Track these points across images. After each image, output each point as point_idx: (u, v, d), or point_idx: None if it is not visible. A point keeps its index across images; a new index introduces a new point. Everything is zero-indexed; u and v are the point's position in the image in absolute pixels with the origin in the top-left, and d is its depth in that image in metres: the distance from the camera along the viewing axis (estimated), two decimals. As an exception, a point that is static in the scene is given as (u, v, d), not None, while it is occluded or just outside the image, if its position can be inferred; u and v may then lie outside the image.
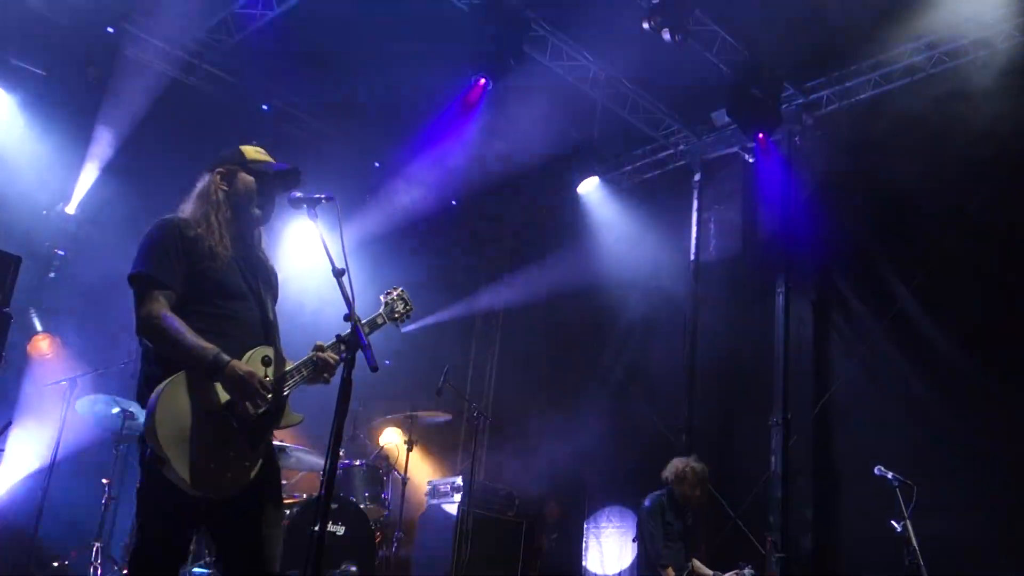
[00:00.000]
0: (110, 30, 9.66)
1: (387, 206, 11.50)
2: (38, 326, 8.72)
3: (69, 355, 8.56)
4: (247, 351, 3.69)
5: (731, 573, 7.76)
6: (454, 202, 12.47)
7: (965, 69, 8.92)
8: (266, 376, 3.66)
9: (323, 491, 3.36)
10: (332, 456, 3.30)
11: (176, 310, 3.63)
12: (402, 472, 8.52)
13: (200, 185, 3.97)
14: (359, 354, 3.52)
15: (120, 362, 7.88)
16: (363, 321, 4.05)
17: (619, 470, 10.84)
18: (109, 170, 9.44)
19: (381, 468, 8.33)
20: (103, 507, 7.59)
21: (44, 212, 9.10)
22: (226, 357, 3.54)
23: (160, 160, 9.65)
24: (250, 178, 3.96)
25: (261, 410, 3.62)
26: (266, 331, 3.84)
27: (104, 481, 7.71)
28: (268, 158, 4.08)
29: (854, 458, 8.84)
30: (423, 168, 11.58)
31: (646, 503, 7.82)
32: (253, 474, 3.61)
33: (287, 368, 3.78)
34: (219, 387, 3.55)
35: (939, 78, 9.16)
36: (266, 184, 3.98)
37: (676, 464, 7.96)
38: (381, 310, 4.25)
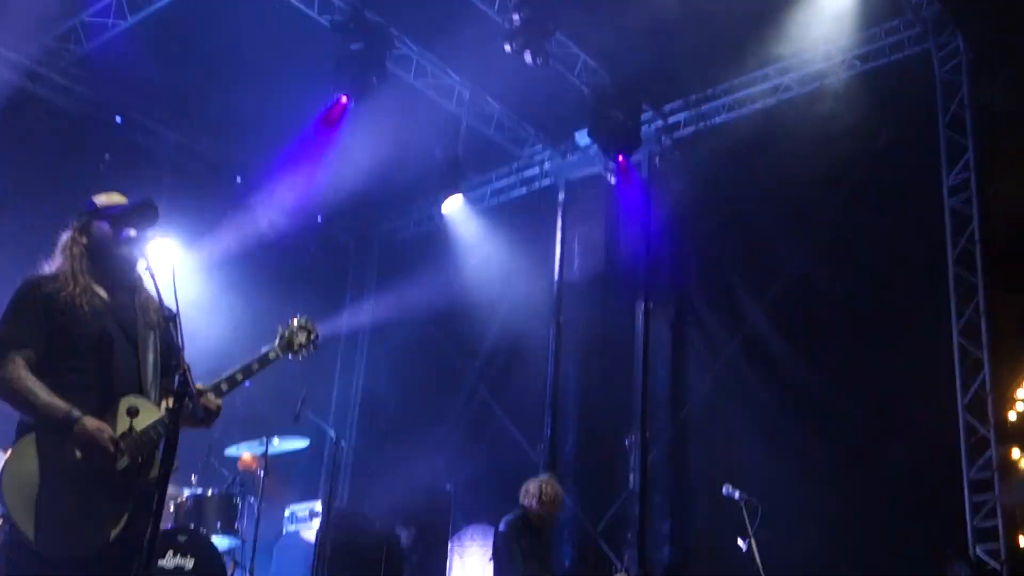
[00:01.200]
0: (-55, 36, 9.16)
1: (249, 222, 11.22)
2: None
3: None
4: (113, 402, 3.62)
5: None
6: (319, 218, 12.28)
7: (811, 96, 9.32)
8: (130, 428, 3.57)
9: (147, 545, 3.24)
10: (153, 526, 3.19)
11: (38, 367, 3.59)
12: (257, 499, 8.28)
13: (59, 242, 3.90)
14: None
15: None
16: (252, 357, 3.97)
17: (483, 488, 10.80)
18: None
19: (235, 496, 8.09)
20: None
21: None
22: (77, 414, 3.47)
23: (3, 174, 9.21)
24: (104, 223, 3.86)
25: (120, 466, 3.53)
26: (140, 379, 3.75)
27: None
28: (122, 199, 3.97)
29: (709, 473, 9.07)
30: (286, 184, 11.37)
31: (500, 527, 7.73)
32: (116, 531, 3.50)
33: (157, 416, 3.67)
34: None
35: (787, 104, 9.57)
36: (122, 224, 3.84)
37: (530, 485, 7.87)
38: (275, 343, 4.09)
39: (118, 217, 3.85)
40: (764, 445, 8.81)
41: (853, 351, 8.57)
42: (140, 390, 3.73)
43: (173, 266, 3.61)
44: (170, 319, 3.58)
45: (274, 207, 11.39)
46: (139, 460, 3.58)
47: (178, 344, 3.51)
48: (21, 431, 3.56)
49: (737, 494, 7.05)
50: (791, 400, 8.80)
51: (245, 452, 8.89)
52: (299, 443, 8.72)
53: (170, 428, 3.45)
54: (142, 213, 3.87)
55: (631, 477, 9.44)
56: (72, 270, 3.75)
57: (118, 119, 10.52)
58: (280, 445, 8.53)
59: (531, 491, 7.81)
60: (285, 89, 9.84)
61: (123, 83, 10.18)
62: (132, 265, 3.87)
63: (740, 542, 6.86)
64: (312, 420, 8.93)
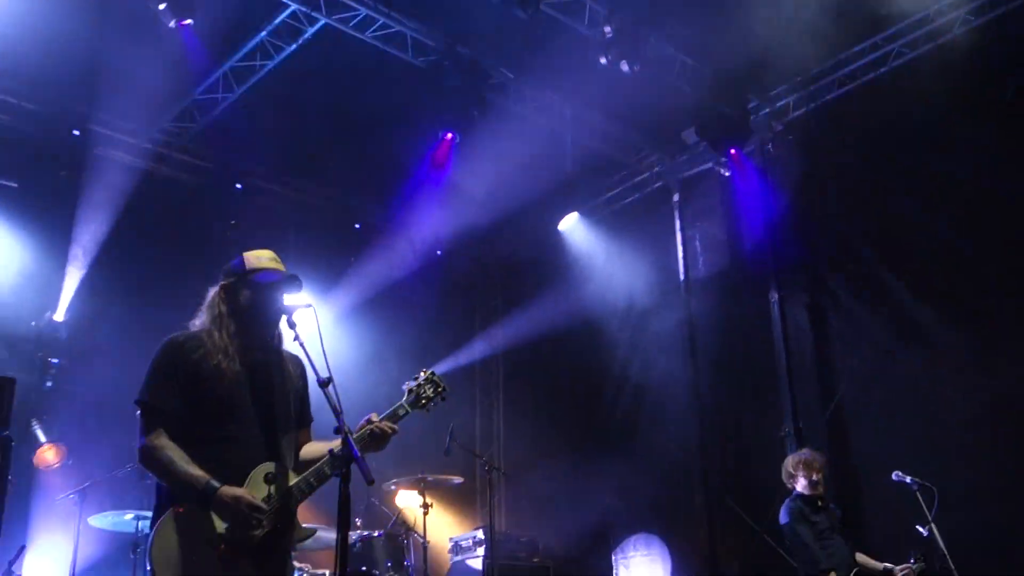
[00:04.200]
0: (76, 132, 9.68)
1: (372, 266, 11.50)
2: (41, 437, 8.64)
3: (76, 464, 8.49)
4: (251, 468, 3.65)
5: (903, 566, 6.91)
6: (439, 252, 12.48)
7: (925, 58, 8.98)
8: (269, 494, 3.60)
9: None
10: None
11: (180, 434, 3.64)
12: (422, 535, 8.44)
13: (207, 298, 3.97)
14: (354, 467, 3.40)
15: (127, 465, 7.79)
16: (383, 414, 3.91)
17: (638, 497, 10.76)
18: (93, 271, 9.43)
19: (400, 535, 8.26)
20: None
21: (33, 323, 9.08)
22: (215, 484, 3.51)
23: (143, 254, 9.72)
24: (248, 292, 3.89)
25: (260, 532, 3.56)
26: (274, 445, 3.77)
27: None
28: (270, 264, 3.96)
29: (872, 459, 8.78)
30: (404, 224, 11.63)
31: (782, 517, 7.13)
32: None
33: (294, 481, 3.71)
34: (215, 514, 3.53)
35: (900, 70, 9.22)
36: (266, 293, 3.87)
37: (787, 465, 7.29)
38: (403, 400, 4.04)
39: (266, 285, 3.88)
40: (927, 423, 8.44)
41: (1008, 313, 8.20)
42: (275, 456, 3.75)
43: (321, 332, 3.66)
44: (324, 384, 3.50)
45: (395, 246, 11.66)
46: (278, 526, 3.61)
47: (337, 407, 3.49)
48: (162, 499, 3.62)
49: (908, 479, 6.79)
50: (949, 372, 8.46)
51: (402, 489, 9.08)
52: (454, 479, 8.84)
53: (342, 495, 3.37)
54: (290, 284, 3.89)
55: (789, 471, 9.22)
56: (217, 335, 3.80)
57: (238, 186, 10.91)
58: (435, 481, 8.68)
59: (789, 470, 7.25)
60: (392, 134, 10.08)
61: (238, 151, 10.61)
62: (273, 330, 3.93)
63: (920, 529, 6.62)
64: (461, 453, 9.08)
